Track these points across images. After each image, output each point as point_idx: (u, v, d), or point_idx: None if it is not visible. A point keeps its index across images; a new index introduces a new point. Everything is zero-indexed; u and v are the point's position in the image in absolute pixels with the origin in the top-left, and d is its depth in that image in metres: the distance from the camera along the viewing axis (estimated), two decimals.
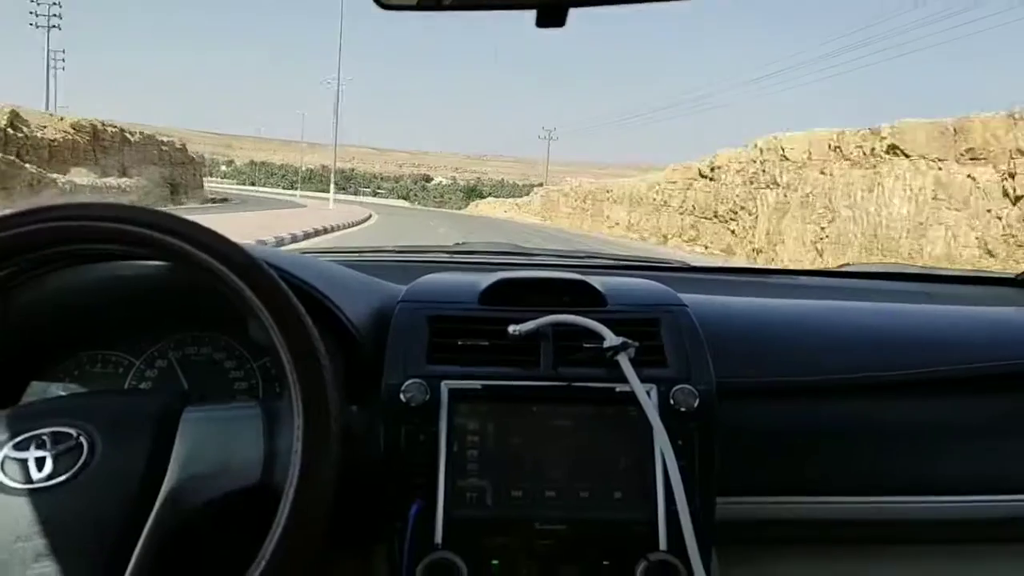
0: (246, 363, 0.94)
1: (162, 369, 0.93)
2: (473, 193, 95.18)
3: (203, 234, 0.64)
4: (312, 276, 0.83)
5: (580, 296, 0.94)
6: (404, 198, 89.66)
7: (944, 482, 0.94)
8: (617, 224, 28.34)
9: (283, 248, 1.50)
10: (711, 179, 19.79)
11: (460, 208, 66.75)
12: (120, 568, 0.60)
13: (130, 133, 24.98)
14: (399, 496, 0.78)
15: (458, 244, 1.72)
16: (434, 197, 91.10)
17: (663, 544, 0.78)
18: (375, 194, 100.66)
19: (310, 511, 0.60)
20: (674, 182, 22.68)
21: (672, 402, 0.82)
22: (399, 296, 0.93)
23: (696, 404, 0.82)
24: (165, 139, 28.57)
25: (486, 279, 0.96)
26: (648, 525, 0.79)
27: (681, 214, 21.93)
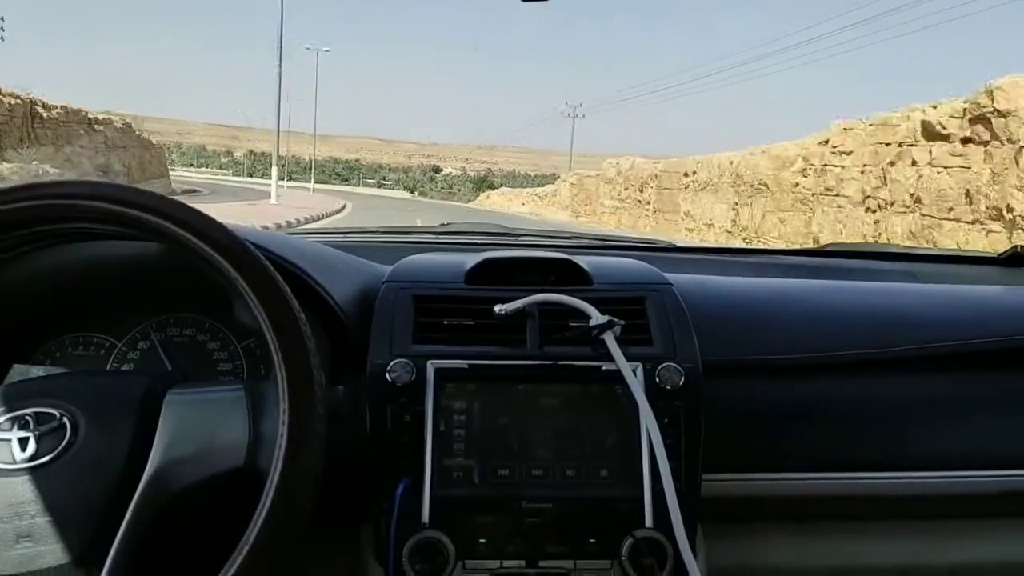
0: (230, 344, 0.94)
1: (144, 351, 0.92)
2: (483, 184, 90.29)
3: (188, 214, 0.63)
4: (298, 257, 0.83)
5: (566, 275, 0.95)
6: (410, 190, 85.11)
7: (927, 458, 0.96)
8: (710, 225, 16.86)
9: (267, 231, 1.14)
10: (977, 141, 8.52)
11: (469, 201, 61.72)
12: (103, 549, 0.60)
13: (44, 108, 20.22)
14: (386, 476, 0.78)
15: (444, 224, 1.68)
16: (442, 188, 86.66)
17: (649, 521, 0.79)
18: (379, 185, 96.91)
19: (295, 494, 0.60)
20: (847, 152, 11.39)
21: (658, 380, 0.82)
22: (384, 276, 0.93)
23: (681, 382, 0.82)
24: (102, 117, 23.16)
25: (472, 259, 0.96)
26: (634, 502, 0.79)
27: (872, 211, 10.63)
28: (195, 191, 34.05)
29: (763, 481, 0.93)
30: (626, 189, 24.65)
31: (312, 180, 40.80)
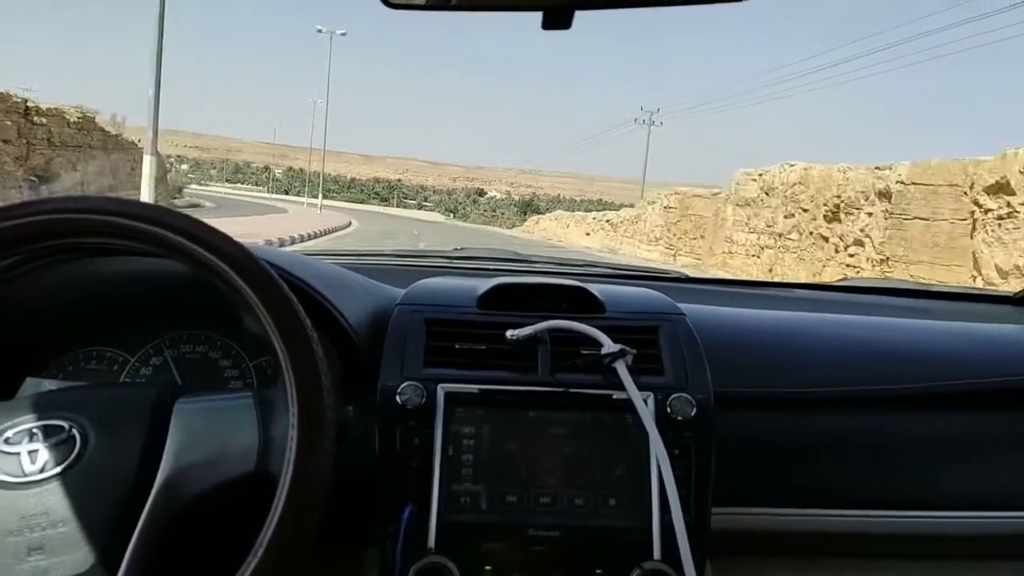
0: (241, 362, 0.94)
1: (156, 367, 0.93)
2: (528, 208, 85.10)
3: (203, 230, 0.64)
4: (311, 276, 0.83)
5: (578, 303, 0.95)
6: (450, 211, 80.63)
7: (939, 497, 0.95)
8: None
9: (283, 249, 1.42)
10: None
11: (513, 226, 55.84)
12: (116, 560, 0.60)
13: None
14: (393, 499, 0.78)
15: (457, 249, 1.70)
16: (484, 212, 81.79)
17: (657, 553, 0.77)
18: (420, 207, 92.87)
19: (306, 500, 0.60)
20: None
21: (669, 410, 0.82)
22: (397, 299, 0.94)
23: (693, 413, 0.82)
24: (47, 107, 16.70)
25: (485, 283, 0.96)
26: (643, 533, 0.78)
27: None
28: (199, 205, 33.07)
29: (774, 516, 0.92)
30: (790, 215, 14.63)
31: (320, 197, 38.58)
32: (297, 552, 0.60)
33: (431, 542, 0.77)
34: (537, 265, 1.58)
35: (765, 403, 0.95)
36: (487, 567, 0.77)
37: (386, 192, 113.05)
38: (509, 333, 0.86)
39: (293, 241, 16.00)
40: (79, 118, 18.84)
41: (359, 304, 0.89)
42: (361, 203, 78.70)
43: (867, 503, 0.93)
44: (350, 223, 25.09)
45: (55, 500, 0.61)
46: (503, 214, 78.60)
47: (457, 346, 0.87)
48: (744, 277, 12.68)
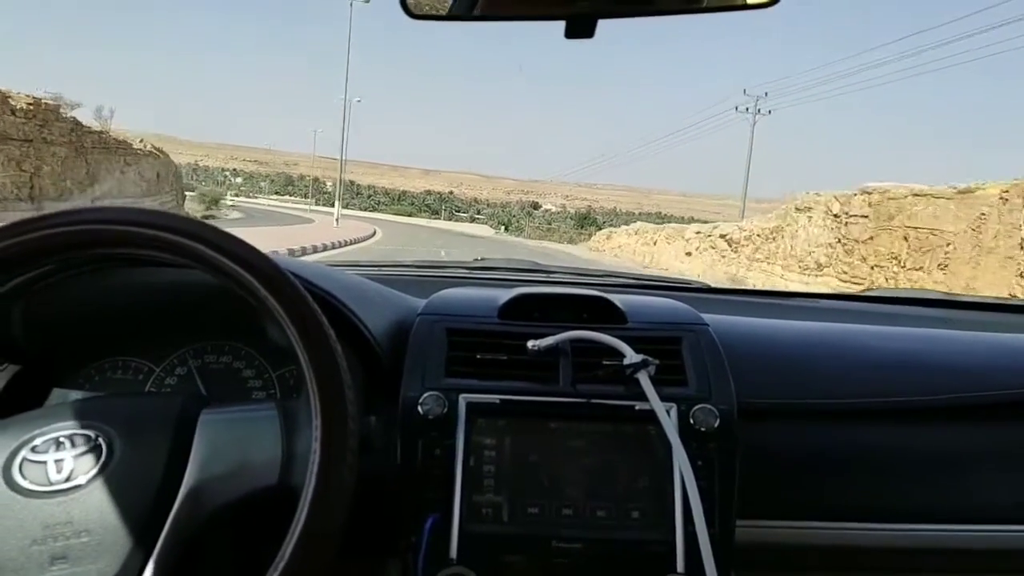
0: (265, 372, 0.94)
1: (181, 376, 0.93)
2: (586, 221, 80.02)
3: (229, 241, 0.65)
4: (334, 287, 0.83)
5: (600, 313, 0.94)
6: (504, 225, 76.23)
7: (967, 510, 0.93)
8: None
9: (306, 259, 1.46)
10: None
11: (570, 240, 50.49)
12: (138, 571, 0.60)
13: None
14: (414, 509, 0.78)
15: (477, 260, 1.70)
16: (540, 226, 77.15)
17: (681, 566, 0.77)
18: (472, 220, 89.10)
19: (329, 511, 0.60)
20: None
21: (692, 421, 0.81)
22: (419, 309, 0.94)
23: (717, 424, 0.81)
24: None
25: (505, 294, 0.96)
26: (666, 546, 0.78)
27: None
28: (213, 216, 32.06)
29: (798, 529, 0.91)
30: None
31: (337, 207, 35.52)
32: (320, 561, 0.60)
33: (453, 553, 0.76)
34: (557, 275, 1.58)
35: (789, 414, 0.94)
36: None
37: (437, 204, 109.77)
38: (530, 343, 0.85)
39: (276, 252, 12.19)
40: (29, 104, 14.91)
41: (381, 315, 0.90)
42: (409, 215, 75.28)
43: (893, 516, 0.91)
44: (352, 241, 22.46)
45: (79, 509, 0.62)
46: (559, 227, 73.76)
47: (478, 356, 0.86)
48: None
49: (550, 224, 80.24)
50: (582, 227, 70.52)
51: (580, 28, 0.70)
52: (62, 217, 0.63)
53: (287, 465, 0.65)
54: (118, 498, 0.63)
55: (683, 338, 0.90)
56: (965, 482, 0.94)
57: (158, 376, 0.92)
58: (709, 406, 0.82)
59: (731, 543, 0.80)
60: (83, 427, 0.66)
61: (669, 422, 0.78)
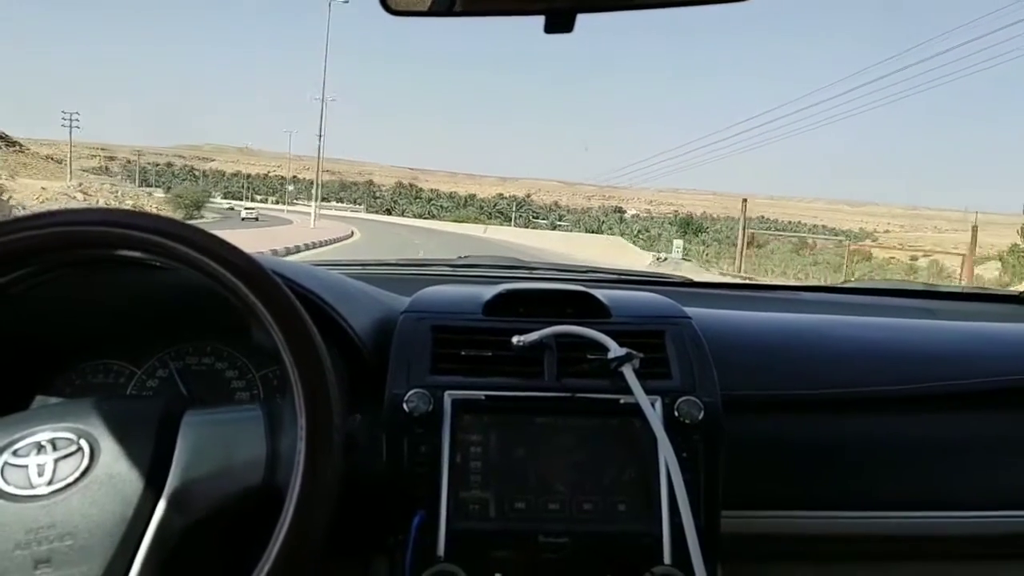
0: (248, 373, 0.94)
1: (163, 379, 0.93)
2: (689, 227, 66.44)
3: (210, 241, 0.64)
4: (317, 286, 0.83)
5: (584, 308, 0.94)
6: (595, 231, 63.96)
7: (950, 497, 0.94)
8: None
9: (289, 259, 1.36)
10: None
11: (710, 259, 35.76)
12: (124, 573, 0.60)
13: None
14: (401, 507, 0.78)
15: (461, 257, 1.70)
16: (639, 233, 64.46)
17: (667, 558, 0.77)
18: (554, 227, 77.41)
19: (315, 510, 0.60)
20: None
21: (677, 414, 0.81)
22: (403, 307, 0.94)
23: (701, 416, 0.81)
24: None
25: (490, 291, 0.96)
26: (652, 538, 0.78)
27: None
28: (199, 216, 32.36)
29: (784, 519, 0.92)
30: None
31: (315, 204, 35.60)
32: (305, 563, 0.60)
33: (440, 550, 0.76)
34: (540, 272, 1.58)
35: (773, 406, 0.95)
36: (497, 574, 0.77)
37: (511, 209, 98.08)
38: (515, 339, 0.85)
39: None
40: None
41: (365, 313, 0.89)
42: (476, 222, 64.11)
43: (876, 504, 0.92)
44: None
45: (63, 513, 0.61)
46: (659, 235, 60.69)
47: (463, 353, 0.86)
48: None
49: (647, 231, 66.97)
50: (685, 233, 57.24)
51: (559, 23, 0.69)
52: (44, 219, 0.63)
53: (272, 465, 0.65)
54: (101, 501, 0.62)
55: (666, 331, 0.90)
56: (947, 470, 0.95)
57: (139, 379, 0.92)
58: (693, 398, 0.82)
59: (717, 534, 0.80)
60: (65, 430, 0.65)
61: (654, 415, 0.79)
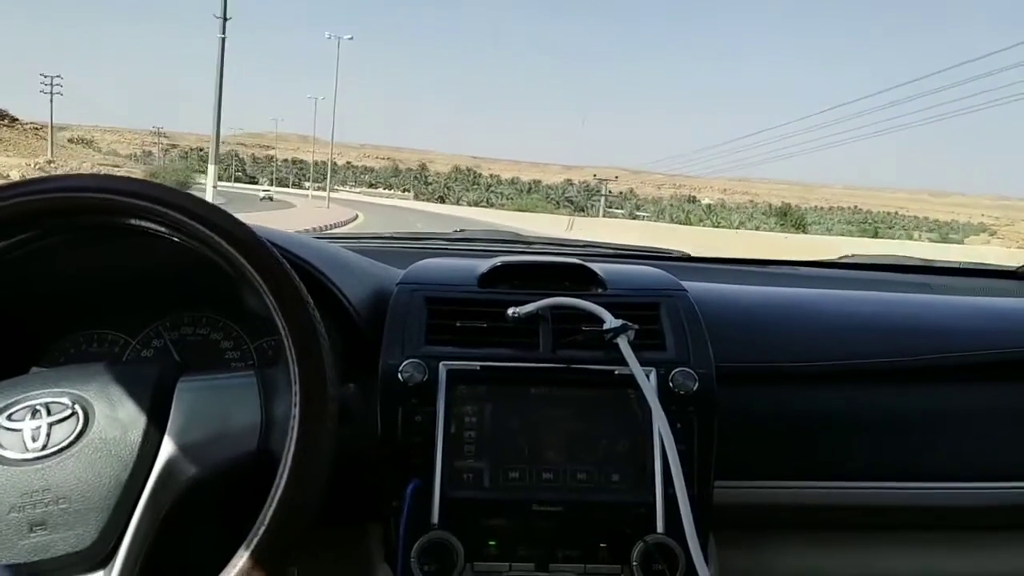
0: (243, 344, 0.94)
1: (158, 348, 0.93)
2: (788, 218, 57.80)
3: (205, 208, 0.64)
4: (311, 255, 0.83)
5: (580, 280, 0.95)
6: (683, 222, 56.21)
7: (941, 468, 0.95)
8: None
9: (285, 231, 1.10)
10: None
11: None
12: (117, 537, 0.61)
13: None
14: (396, 475, 0.78)
15: (458, 231, 1.70)
16: (739, 225, 56.30)
17: (661, 527, 0.78)
18: (632, 216, 70.05)
19: (309, 475, 0.60)
20: None
21: (671, 385, 0.82)
22: (398, 278, 0.94)
23: (695, 387, 0.82)
24: None
25: (485, 263, 0.96)
26: (646, 508, 0.79)
27: None
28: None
29: (776, 489, 0.92)
30: None
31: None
32: (300, 527, 0.60)
33: (435, 518, 0.77)
34: (537, 246, 1.59)
35: (767, 377, 0.95)
36: (491, 542, 0.78)
37: (582, 198, 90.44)
38: (510, 311, 0.85)
39: None
40: None
41: (360, 283, 0.89)
42: (542, 211, 57.01)
43: (868, 475, 0.93)
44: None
45: (57, 477, 0.61)
46: (757, 227, 52.35)
47: (458, 324, 0.86)
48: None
49: (744, 223, 58.69)
50: (792, 226, 48.87)
51: None
52: (38, 184, 0.62)
53: (266, 431, 0.65)
54: (96, 465, 0.62)
55: (661, 303, 0.90)
56: (940, 441, 0.95)
57: (134, 348, 0.92)
58: (688, 369, 0.82)
59: (710, 504, 0.81)
60: (59, 395, 0.65)
61: (649, 385, 0.79)
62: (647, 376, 0.80)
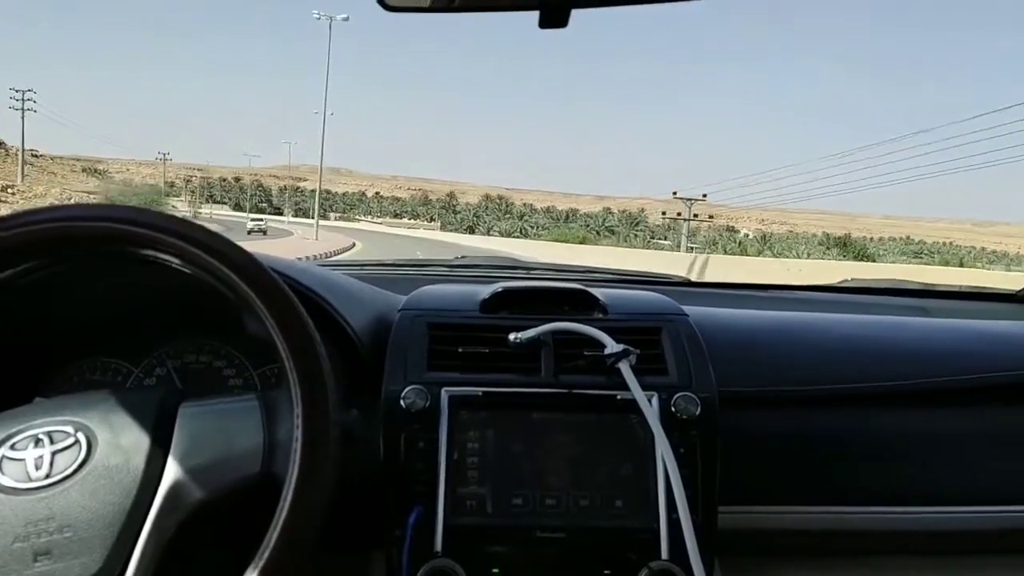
0: (245, 371, 0.94)
1: (160, 377, 0.93)
2: (848, 249, 53.77)
3: (206, 236, 0.65)
4: (313, 282, 0.83)
5: (581, 306, 0.95)
6: (739, 254, 52.48)
7: (943, 493, 0.95)
8: None
9: (288, 259, 1.12)
10: None
11: None
12: (122, 564, 0.61)
13: None
14: (399, 503, 0.78)
15: (459, 258, 1.72)
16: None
17: (665, 553, 0.77)
18: (689, 249, 66.62)
19: (312, 499, 0.60)
20: None
21: (673, 409, 0.82)
22: (400, 305, 0.94)
23: (698, 412, 0.82)
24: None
25: (487, 289, 0.97)
26: (650, 533, 0.78)
27: None
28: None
29: (780, 514, 0.92)
30: None
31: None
32: (303, 553, 0.60)
33: (438, 545, 0.77)
34: (537, 272, 1.59)
35: (769, 402, 0.95)
36: (494, 570, 0.77)
37: (624, 227, 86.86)
38: (512, 336, 0.86)
39: None
40: None
41: (362, 310, 0.90)
42: (581, 242, 52.94)
43: (871, 499, 0.93)
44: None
45: (61, 505, 0.62)
46: (820, 257, 48.62)
47: (460, 350, 0.86)
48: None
49: (804, 256, 54.66)
50: (843, 256, 44.95)
51: (554, 17, 0.69)
52: (41, 214, 0.63)
53: (269, 455, 0.65)
54: (99, 492, 0.62)
55: (663, 328, 0.90)
56: (941, 466, 0.95)
57: (137, 376, 0.92)
58: (690, 394, 0.82)
59: (714, 529, 0.80)
60: (61, 423, 0.66)
61: (651, 410, 0.79)
62: (649, 401, 0.80)
